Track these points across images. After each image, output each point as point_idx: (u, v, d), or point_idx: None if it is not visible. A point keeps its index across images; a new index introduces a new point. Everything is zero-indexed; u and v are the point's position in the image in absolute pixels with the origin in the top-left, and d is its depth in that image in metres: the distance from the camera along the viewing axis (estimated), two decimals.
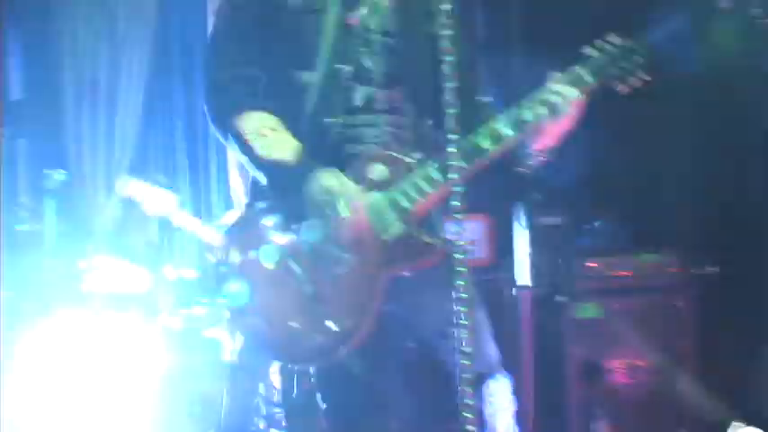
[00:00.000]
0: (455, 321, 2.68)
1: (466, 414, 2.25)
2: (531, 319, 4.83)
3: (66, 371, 4.73)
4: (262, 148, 2.65)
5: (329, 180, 2.59)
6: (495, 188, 2.89)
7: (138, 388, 4.92)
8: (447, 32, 2.34)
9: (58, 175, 4.75)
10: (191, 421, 4.98)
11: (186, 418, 4.96)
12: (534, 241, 4.86)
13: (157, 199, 3.08)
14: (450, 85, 2.31)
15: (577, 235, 5.11)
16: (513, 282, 4.81)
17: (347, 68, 2.70)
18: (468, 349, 2.26)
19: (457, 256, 2.30)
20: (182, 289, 5.49)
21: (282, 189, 2.64)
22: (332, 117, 2.68)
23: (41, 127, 5.70)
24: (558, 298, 4.79)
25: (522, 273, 4.80)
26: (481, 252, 4.98)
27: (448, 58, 2.32)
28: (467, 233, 4.98)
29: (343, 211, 2.57)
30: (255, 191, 2.80)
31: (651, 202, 5.26)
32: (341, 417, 2.78)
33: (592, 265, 4.85)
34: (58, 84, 5.87)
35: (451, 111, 2.32)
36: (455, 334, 2.35)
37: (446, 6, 2.35)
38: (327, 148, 2.68)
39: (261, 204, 2.71)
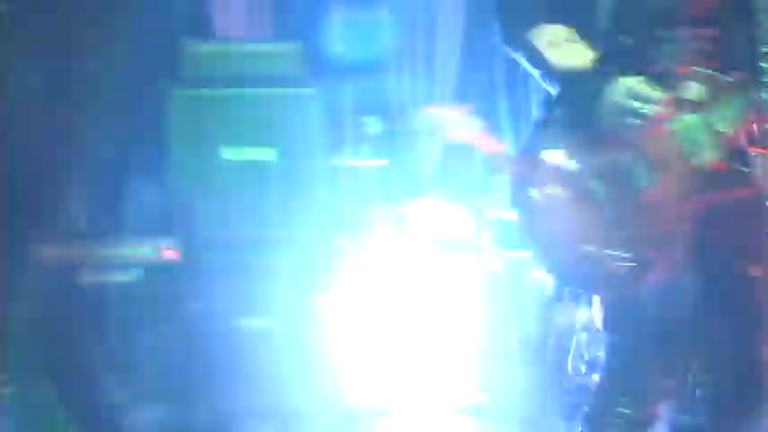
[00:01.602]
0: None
1: None
2: None
3: (388, 311, 4.90)
4: (555, 58, 2.53)
5: (632, 86, 2.42)
6: None
7: (460, 331, 5.01)
8: None
9: (375, 122, 4.87)
10: (516, 363, 5.01)
11: (510, 359, 4.99)
12: None
13: (460, 124, 3.01)
14: None
15: None
16: None
17: None
18: None
19: None
20: (504, 230, 5.50)
21: (577, 98, 2.50)
22: (627, 31, 2.51)
23: (366, 77, 5.86)
24: None
25: None
26: None
27: None
28: None
29: (649, 121, 2.40)
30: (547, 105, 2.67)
31: None
32: (624, 349, 2.65)
33: None
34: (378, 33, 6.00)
35: None
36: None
37: None
38: (623, 65, 2.50)
39: (554, 115, 2.59)
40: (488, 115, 5.46)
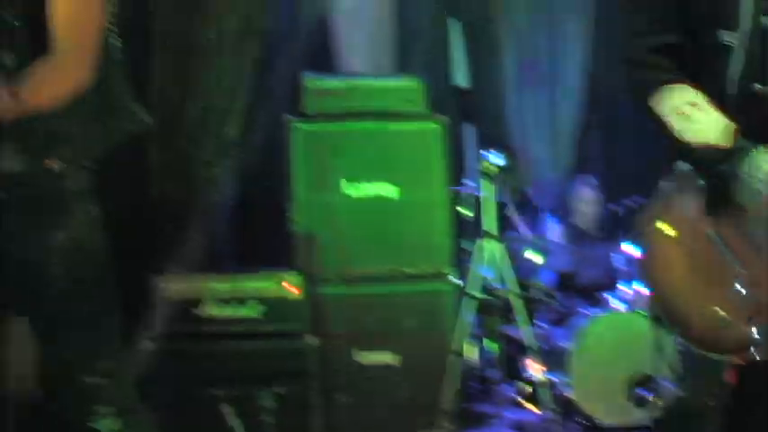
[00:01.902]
0: None
1: None
2: None
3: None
4: (683, 131, 2.44)
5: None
6: None
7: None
8: None
9: (497, 159, 4.83)
10: (632, 403, 4.88)
11: (627, 400, 4.87)
12: None
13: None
14: None
15: None
16: None
17: None
18: None
19: None
20: (623, 266, 5.38)
21: (709, 173, 2.41)
22: (759, 80, 2.41)
23: (485, 112, 5.85)
24: None
25: None
26: None
27: None
28: None
29: None
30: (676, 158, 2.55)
31: None
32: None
33: None
34: (499, 69, 6.01)
35: None
36: None
37: None
38: (757, 114, 2.40)
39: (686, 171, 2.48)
40: None
